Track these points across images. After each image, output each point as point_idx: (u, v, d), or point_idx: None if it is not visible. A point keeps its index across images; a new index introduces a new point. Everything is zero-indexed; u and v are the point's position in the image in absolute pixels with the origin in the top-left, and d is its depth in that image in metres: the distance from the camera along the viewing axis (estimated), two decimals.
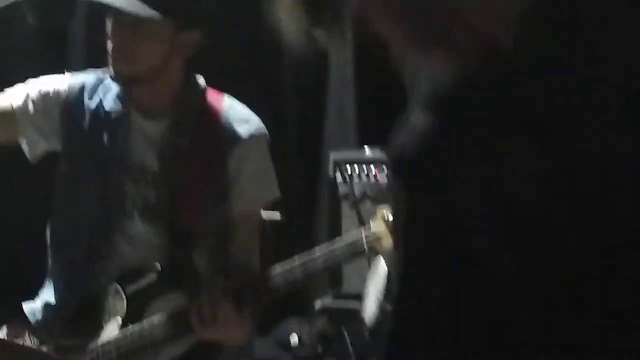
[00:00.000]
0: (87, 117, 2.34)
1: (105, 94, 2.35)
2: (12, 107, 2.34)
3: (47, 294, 2.36)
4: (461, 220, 1.08)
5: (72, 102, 2.35)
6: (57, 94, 2.36)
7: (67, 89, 2.37)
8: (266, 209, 2.41)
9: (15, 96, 2.36)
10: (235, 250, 2.30)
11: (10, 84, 2.37)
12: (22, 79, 2.40)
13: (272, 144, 2.37)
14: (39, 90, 2.36)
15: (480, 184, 1.07)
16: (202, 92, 2.37)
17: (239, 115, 2.33)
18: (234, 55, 2.38)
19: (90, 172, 2.32)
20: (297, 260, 2.13)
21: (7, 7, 1.83)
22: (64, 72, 2.48)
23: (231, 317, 2.09)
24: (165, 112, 2.31)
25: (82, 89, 2.36)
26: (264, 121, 2.37)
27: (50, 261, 2.39)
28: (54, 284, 2.36)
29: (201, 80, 2.38)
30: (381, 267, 2.22)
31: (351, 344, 3.14)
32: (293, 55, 1.14)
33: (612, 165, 1.02)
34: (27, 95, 2.35)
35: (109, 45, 2.23)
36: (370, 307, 2.25)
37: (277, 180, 2.36)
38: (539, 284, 1.06)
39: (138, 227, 2.28)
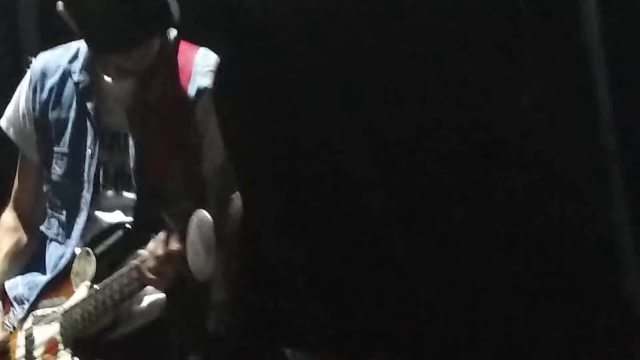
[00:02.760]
0: (53, 92, 2.32)
1: (74, 65, 2.31)
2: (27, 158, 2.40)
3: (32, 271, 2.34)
4: None
5: (36, 85, 2.34)
6: (25, 97, 2.36)
7: (30, 74, 2.37)
8: None
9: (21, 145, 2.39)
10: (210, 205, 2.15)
11: None
12: None
13: None
14: (18, 111, 2.38)
15: None
16: (173, 46, 2.25)
17: (207, 67, 2.23)
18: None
19: (62, 145, 2.29)
20: None
21: None
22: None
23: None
24: (135, 70, 2.22)
25: (44, 69, 2.35)
26: None
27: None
28: (38, 258, 2.34)
29: (172, 32, 2.26)
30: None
31: None
32: None
33: None
34: (16, 130, 2.38)
35: (105, 63, 2.22)
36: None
37: None
38: None
39: (113, 194, 2.23)
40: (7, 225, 2.40)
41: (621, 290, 3.10)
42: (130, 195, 2.22)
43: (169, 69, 2.23)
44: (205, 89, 2.18)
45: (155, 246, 2.03)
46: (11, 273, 2.33)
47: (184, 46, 2.27)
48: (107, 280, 2.11)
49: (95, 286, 2.13)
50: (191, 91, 2.20)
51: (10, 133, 2.39)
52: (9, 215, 2.42)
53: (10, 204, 2.43)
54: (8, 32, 3.17)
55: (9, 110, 2.40)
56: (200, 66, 2.23)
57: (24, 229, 2.39)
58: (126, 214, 2.20)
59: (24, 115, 2.36)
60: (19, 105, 2.37)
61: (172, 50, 2.25)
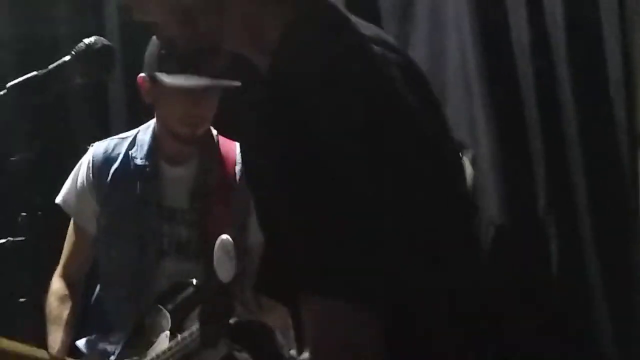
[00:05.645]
0: (117, 175, 2.68)
1: (134, 151, 2.69)
2: (82, 228, 2.73)
3: (97, 329, 2.69)
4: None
5: (99, 168, 2.70)
6: (85, 177, 2.71)
7: (91, 159, 2.72)
8: None
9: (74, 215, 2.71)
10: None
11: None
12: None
13: None
14: (76, 189, 2.71)
15: None
16: (217, 138, 2.73)
17: None
18: None
19: (127, 220, 2.65)
20: None
21: (55, 68, 2.05)
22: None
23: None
24: (190, 158, 2.67)
25: (105, 155, 2.71)
26: None
27: (100, 299, 2.74)
28: (105, 319, 2.70)
29: (214, 130, 2.73)
30: None
31: None
32: None
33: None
34: (73, 204, 2.71)
35: (179, 109, 2.57)
36: None
37: None
38: None
39: (174, 263, 2.64)
40: (62, 293, 2.71)
41: None
42: (188, 263, 2.63)
43: (218, 156, 2.69)
44: None
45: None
46: (72, 336, 2.63)
47: (222, 139, 2.75)
48: (189, 330, 2.48)
49: (179, 335, 2.50)
50: (241, 177, 2.63)
51: (68, 209, 2.74)
52: (60, 283, 2.73)
53: (59, 271, 2.75)
54: (100, 119, 3.54)
55: (66, 190, 2.75)
56: None
57: (72, 295, 2.72)
58: (185, 277, 2.59)
59: (83, 195, 2.71)
60: (76, 186, 2.73)
61: (217, 140, 2.73)
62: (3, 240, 2.04)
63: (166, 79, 2.54)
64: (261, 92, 1.25)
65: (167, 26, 1.31)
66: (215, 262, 2.27)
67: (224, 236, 2.20)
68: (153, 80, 2.62)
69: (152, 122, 2.76)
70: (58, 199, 2.75)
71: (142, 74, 2.67)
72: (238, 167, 2.67)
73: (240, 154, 2.42)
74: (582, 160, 3.66)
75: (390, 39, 1.40)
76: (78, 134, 3.35)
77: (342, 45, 1.26)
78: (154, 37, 2.57)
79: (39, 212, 2.74)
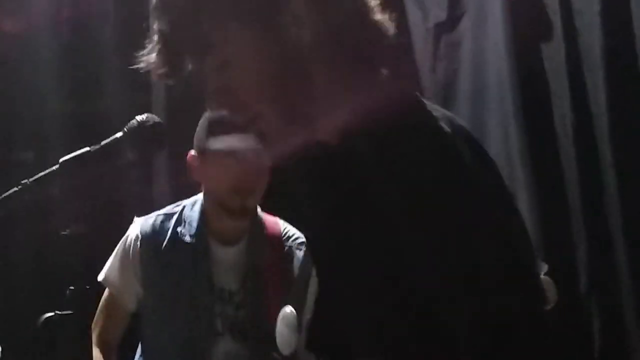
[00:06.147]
0: (166, 252, 2.64)
1: (182, 228, 2.65)
2: (119, 303, 2.68)
3: None
4: None
5: (146, 245, 2.66)
6: (132, 253, 2.67)
7: (139, 235, 2.68)
8: None
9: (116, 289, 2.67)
10: None
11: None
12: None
13: None
14: (121, 266, 2.67)
15: None
16: (261, 217, 2.70)
17: (296, 240, 2.66)
18: None
19: (178, 298, 2.60)
20: None
21: (108, 144, 2.08)
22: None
23: None
24: (239, 238, 2.63)
25: (154, 231, 2.67)
26: None
27: None
28: None
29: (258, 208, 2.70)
30: None
31: None
32: None
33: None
34: (117, 281, 2.67)
35: (230, 178, 2.53)
36: None
37: None
38: None
39: (227, 344, 2.58)
40: None
41: None
42: (241, 343, 2.58)
43: (265, 236, 2.66)
44: (300, 259, 2.60)
45: None
46: None
47: (265, 215, 2.73)
48: None
49: None
50: (289, 258, 2.63)
51: (108, 284, 2.70)
52: (97, 351, 2.67)
53: (95, 340, 2.69)
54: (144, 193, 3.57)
55: (109, 267, 2.71)
56: (288, 236, 2.67)
57: None
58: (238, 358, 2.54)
59: (128, 272, 2.67)
60: (121, 263, 2.69)
61: (262, 220, 2.71)
62: (51, 314, 2.03)
63: (217, 143, 2.54)
64: (331, 165, 1.31)
65: (271, 120, 1.37)
66: (277, 335, 2.24)
67: (288, 308, 2.18)
68: (202, 153, 2.61)
69: (199, 198, 2.74)
70: (100, 277, 2.73)
71: (191, 152, 2.66)
72: (285, 244, 2.66)
73: (301, 229, 2.40)
74: (625, 241, 3.64)
75: (457, 119, 1.45)
76: (123, 208, 3.37)
77: (415, 122, 1.31)
78: (203, 117, 2.62)
79: (87, 286, 2.78)
